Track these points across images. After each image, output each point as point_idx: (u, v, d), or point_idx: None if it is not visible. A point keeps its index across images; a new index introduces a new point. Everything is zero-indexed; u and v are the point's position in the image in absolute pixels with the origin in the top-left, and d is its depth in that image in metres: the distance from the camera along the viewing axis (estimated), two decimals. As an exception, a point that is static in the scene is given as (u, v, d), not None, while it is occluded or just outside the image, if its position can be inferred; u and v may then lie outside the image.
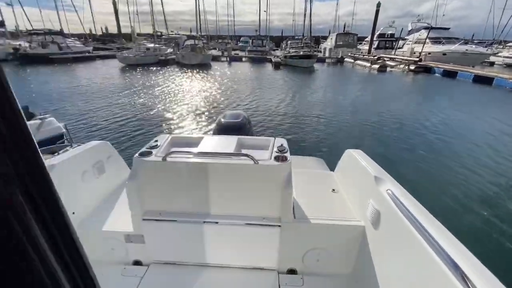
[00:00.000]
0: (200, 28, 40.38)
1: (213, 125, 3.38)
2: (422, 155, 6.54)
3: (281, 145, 2.01)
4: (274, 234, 1.86)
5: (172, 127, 8.67)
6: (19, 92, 13.85)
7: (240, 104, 12.08)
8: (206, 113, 10.19)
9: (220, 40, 56.38)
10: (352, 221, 1.88)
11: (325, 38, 46.60)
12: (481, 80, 18.29)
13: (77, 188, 2.18)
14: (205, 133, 7.84)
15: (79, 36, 45.71)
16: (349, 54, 34.56)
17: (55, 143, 3.91)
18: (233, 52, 37.00)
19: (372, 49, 35.03)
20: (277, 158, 1.83)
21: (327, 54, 37.84)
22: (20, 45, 27.12)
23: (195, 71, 23.42)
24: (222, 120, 2.83)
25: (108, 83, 16.72)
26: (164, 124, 8.85)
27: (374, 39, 35.83)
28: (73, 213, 2.11)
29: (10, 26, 36.21)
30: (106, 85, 16.06)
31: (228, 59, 33.73)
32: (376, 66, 25.46)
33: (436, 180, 5.27)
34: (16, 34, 35.72)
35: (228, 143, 2.09)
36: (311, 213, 1.97)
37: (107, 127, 8.45)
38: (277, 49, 46.90)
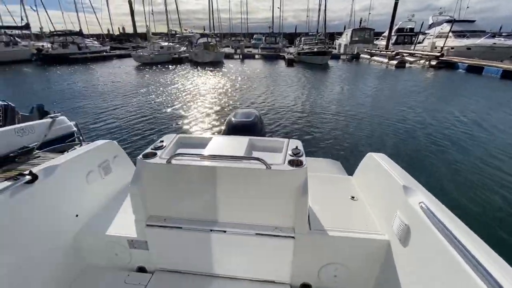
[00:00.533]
0: (213, 26, 40.53)
1: (223, 124, 3.25)
2: (454, 161, 5.86)
3: (296, 147, 1.83)
4: (287, 245, 1.69)
5: (182, 125, 8.64)
6: (41, 91, 14.40)
7: (252, 101, 11.91)
8: (217, 112, 10.10)
9: (233, 38, 56.34)
10: (375, 234, 1.68)
11: (340, 34, 45.46)
12: (510, 75, 17.12)
13: (81, 189, 2.10)
14: (215, 133, 7.73)
15: (97, 36, 47.02)
16: (365, 50, 33.48)
17: (65, 141, 3.91)
18: (246, 50, 36.89)
19: (390, 45, 33.78)
20: (291, 163, 1.66)
21: (342, 51, 36.88)
22: (43, 46, 28.24)
23: (207, 68, 23.47)
24: (233, 119, 2.68)
25: (123, 82, 17.03)
26: (174, 123, 8.84)
27: (392, 34, 34.52)
28: (77, 215, 2.04)
29: (35, 28, 37.79)
30: (120, 83, 16.36)
31: (240, 56, 33.62)
32: (394, 62, 24.50)
33: (478, 193, 4.55)
34: (40, 36, 37.27)
35: (238, 144, 1.94)
36: (328, 223, 1.79)
37: (118, 126, 8.53)
38: (291, 46, 46.29)
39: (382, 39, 38.82)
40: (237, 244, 1.76)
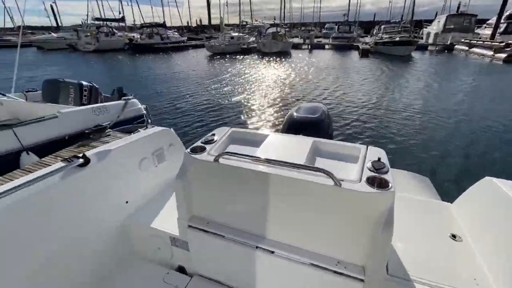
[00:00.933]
0: (284, 16, 39.75)
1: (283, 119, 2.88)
2: None
3: (378, 159, 1.35)
4: None
5: (241, 115, 8.55)
6: (129, 76, 16.52)
7: (317, 94, 11.14)
8: (278, 104, 9.73)
9: (303, 28, 54.48)
10: None
11: (429, 22, 38.92)
12: None
13: (134, 176, 2.06)
14: (273, 129, 7.35)
15: (177, 28, 51.76)
16: (463, 40, 27.90)
17: (133, 123, 4.14)
18: (315, 40, 35.14)
19: (497, 34, 27.25)
20: (371, 181, 1.20)
21: (430, 41, 31.61)
22: (133, 36, 32.47)
23: (273, 59, 23.22)
24: (295, 114, 2.28)
25: (195, 70, 18.21)
26: (235, 112, 8.85)
27: (501, 21, 27.67)
28: (127, 202, 2.00)
29: (129, 21, 43.77)
30: (192, 72, 17.51)
31: (309, 47, 32.23)
32: (503, 55, 19.69)
33: None
34: (133, 28, 42.95)
35: (299, 146, 1.56)
36: (415, 269, 1.28)
37: (183, 111, 9.02)
38: (366, 36, 42.13)
39: (486, 27, 31.62)
40: (285, 270, 1.42)
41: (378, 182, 1.19)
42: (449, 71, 16.98)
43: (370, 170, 1.28)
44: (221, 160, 1.42)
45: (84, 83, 4.29)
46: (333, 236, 1.29)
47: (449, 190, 1.76)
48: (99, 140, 3.21)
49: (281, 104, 9.72)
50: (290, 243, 1.42)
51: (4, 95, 4.09)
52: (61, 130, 3.16)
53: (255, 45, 29.99)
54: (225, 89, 12.29)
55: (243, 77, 15.30)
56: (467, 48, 25.74)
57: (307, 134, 1.90)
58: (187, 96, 11.08)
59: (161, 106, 9.60)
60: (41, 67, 19.15)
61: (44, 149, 2.85)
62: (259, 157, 1.33)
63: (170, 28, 41.42)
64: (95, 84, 4.40)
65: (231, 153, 1.39)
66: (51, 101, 4.00)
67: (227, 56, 26.05)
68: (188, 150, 1.55)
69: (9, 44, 33.61)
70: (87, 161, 1.66)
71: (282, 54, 26.24)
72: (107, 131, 3.47)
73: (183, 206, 1.61)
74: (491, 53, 21.33)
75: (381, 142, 6.27)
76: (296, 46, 32.33)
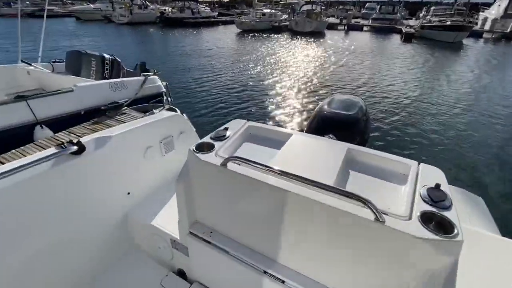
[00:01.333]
0: (321, -8, 37.02)
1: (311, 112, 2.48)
2: None
3: (437, 186, 0.99)
4: None
5: (263, 103, 8.10)
6: (162, 50, 16.45)
7: (347, 83, 10.31)
8: (306, 93, 9.12)
9: (341, 7, 50.71)
10: None
11: (487, 5, 34.06)
12: None
13: (137, 166, 1.87)
14: (297, 121, 6.82)
15: (209, 3, 50.59)
16: (527, 28, 24.25)
17: (153, 99, 3.97)
18: (353, 20, 32.57)
19: None
20: (427, 220, 0.87)
21: (487, 27, 27.88)
22: (165, 9, 32.26)
23: (305, 39, 21.95)
24: (326, 108, 1.90)
25: (223, 48, 17.75)
26: (257, 99, 8.44)
27: None
28: (128, 193, 1.84)
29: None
30: (220, 49, 17.07)
31: (345, 27, 29.98)
32: None
33: None
34: (165, 1, 42.69)
35: (329, 155, 1.24)
36: None
37: (205, 92, 8.75)
38: (411, 18, 38.27)
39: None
40: None
41: (437, 223, 0.86)
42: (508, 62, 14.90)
43: (425, 200, 0.94)
44: (229, 165, 1.15)
45: (106, 56, 4.15)
46: (363, 279, 0.99)
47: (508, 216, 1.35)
48: (114, 118, 3.08)
49: (309, 92, 9.09)
50: (305, 274, 1.16)
51: (30, 64, 4.10)
52: (76, 105, 3.06)
53: (287, 23, 28.46)
54: (251, 71, 11.82)
55: (271, 58, 14.62)
56: (531, 37, 22.38)
57: (338, 134, 1.55)
58: (211, 75, 10.80)
59: (183, 84, 9.40)
60: (77, 37, 19.77)
61: (59, 124, 2.77)
62: (275, 168, 1.04)
63: (202, 2, 40.60)
64: (117, 57, 4.25)
65: (242, 159, 1.10)
66: (74, 73, 3.93)
67: (257, 34, 25.06)
68: (193, 147, 1.30)
69: (52, 14, 35.04)
70: (81, 148, 1.48)
71: (315, 34, 24.68)
72: (123, 108, 3.35)
73: (184, 210, 1.39)
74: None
75: (411, 136, 5.55)
76: (332, 27, 30.21)
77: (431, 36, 21.49)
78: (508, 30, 25.08)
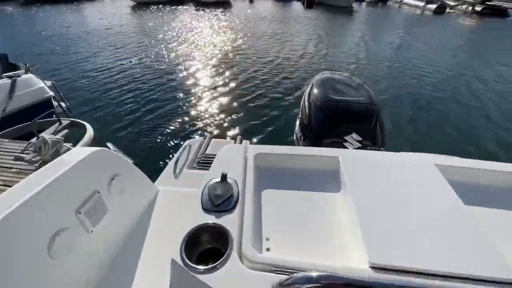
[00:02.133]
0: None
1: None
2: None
3: None
4: None
5: (175, 96, 6.95)
6: (27, 37, 12.05)
7: (261, 54, 9.92)
8: (236, 74, 8.28)
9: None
10: None
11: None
12: None
13: (34, 271, 0.85)
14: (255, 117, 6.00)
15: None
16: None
17: (37, 112, 2.43)
18: (256, -12, 31.93)
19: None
20: None
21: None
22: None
23: (213, 10, 20.32)
24: (328, 95, 1.26)
25: (115, 27, 14.59)
26: (175, 94, 7.19)
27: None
28: None
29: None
30: (111, 30, 13.89)
31: (249, -4, 29.20)
32: (433, 6, 20.86)
33: None
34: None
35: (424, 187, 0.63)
36: None
37: (106, 94, 6.83)
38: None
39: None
40: None
41: None
42: (384, 23, 17.38)
43: None
44: None
45: None
46: None
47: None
48: None
49: (241, 71, 8.29)
50: None
51: None
52: None
53: (190, -8, 25.70)
54: (163, 54, 10.02)
55: (181, 35, 12.83)
56: (400, -1, 26.63)
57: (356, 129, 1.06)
58: (112, 65, 8.63)
59: (75, 81, 7.00)
60: None
61: None
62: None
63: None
64: None
65: None
66: None
67: (156, 6, 21.77)
68: (179, 257, 0.66)
69: None
70: None
71: (222, 4, 23.17)
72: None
73: None
74: (422, 4, 22.37)
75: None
76: (235, -5, 28.95)
77: (328, 2, 23.23)
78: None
